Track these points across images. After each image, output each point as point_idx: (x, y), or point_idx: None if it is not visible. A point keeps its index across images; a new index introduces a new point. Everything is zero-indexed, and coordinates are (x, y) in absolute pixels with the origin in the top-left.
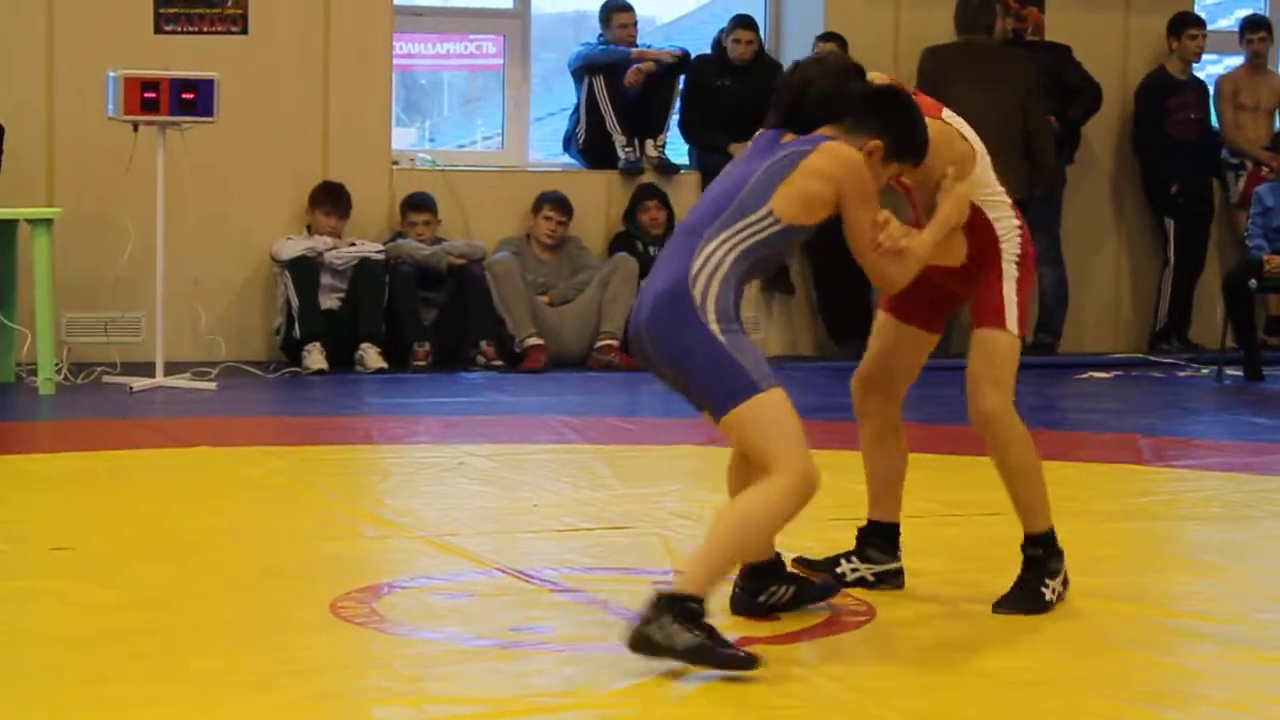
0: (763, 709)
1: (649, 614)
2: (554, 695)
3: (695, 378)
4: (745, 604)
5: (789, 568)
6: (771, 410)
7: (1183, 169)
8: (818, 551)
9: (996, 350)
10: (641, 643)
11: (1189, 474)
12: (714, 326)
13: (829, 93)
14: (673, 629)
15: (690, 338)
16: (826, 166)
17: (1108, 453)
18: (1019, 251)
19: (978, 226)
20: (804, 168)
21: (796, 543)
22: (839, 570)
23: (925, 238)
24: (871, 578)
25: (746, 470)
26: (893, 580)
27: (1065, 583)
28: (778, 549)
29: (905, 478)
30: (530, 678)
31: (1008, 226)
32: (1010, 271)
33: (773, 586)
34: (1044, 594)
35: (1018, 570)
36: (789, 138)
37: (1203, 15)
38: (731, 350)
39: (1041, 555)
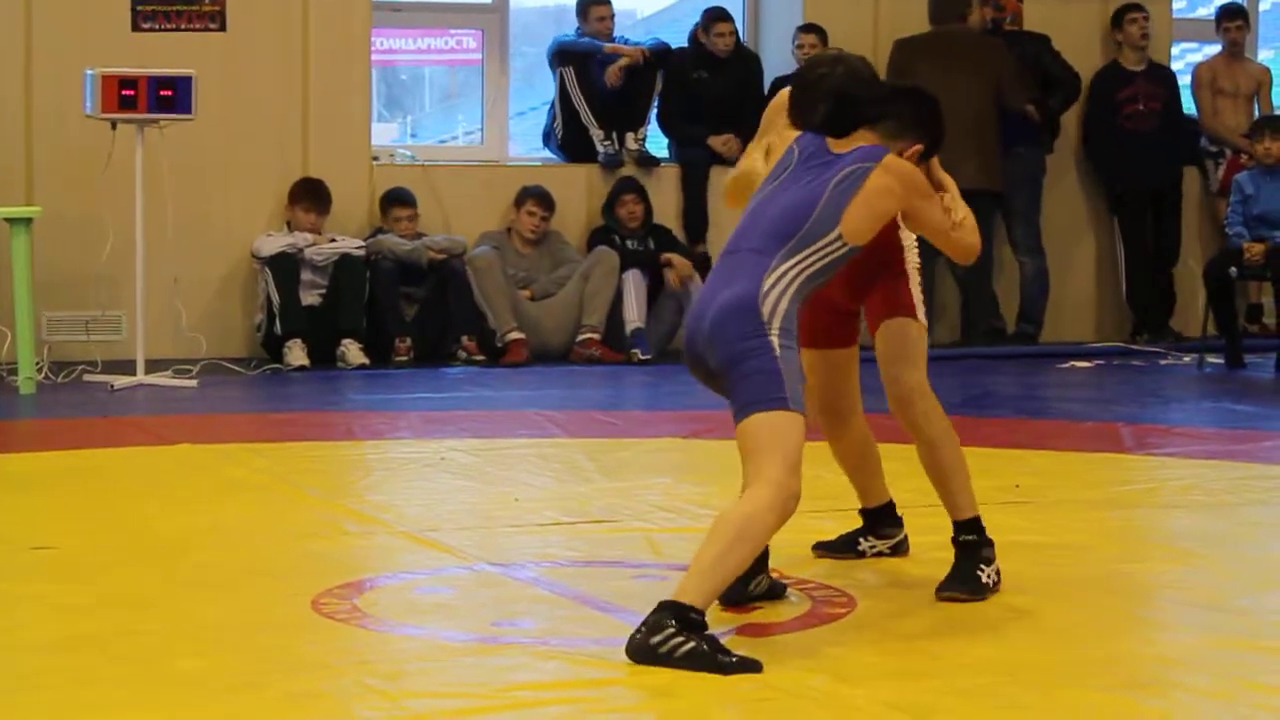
0: (745, 700)
1: (651, 623)
2: (535, 690)
3: (740, 379)
4: (738, 592)
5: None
6: (787, 427)
7: (1138, 161)
8: (791, 541)
9: (909, 336)
10: (643, 652)
11: (1170, 462)
12: (775, 340)
13: (866, 99)
14: (675, 640)
15: (751, 345)
16: (895, 185)
17: (1089, 441)
18: (918, 262)
19: (886, 244)
20: (873, 188)
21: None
22: (859, 548)
23: (961, 205)
24: (888, 550)
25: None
26: (903, 546)
27: (998, 574)
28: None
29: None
30: (512, 673)
31: (910, 243)
32: (912, 264)
33: (760, 575)
34: (979, 576)
35: (1001, 560)
36: (837, 147)
37: (1180, 3)
38: (782, 366)
39: (975, 540)
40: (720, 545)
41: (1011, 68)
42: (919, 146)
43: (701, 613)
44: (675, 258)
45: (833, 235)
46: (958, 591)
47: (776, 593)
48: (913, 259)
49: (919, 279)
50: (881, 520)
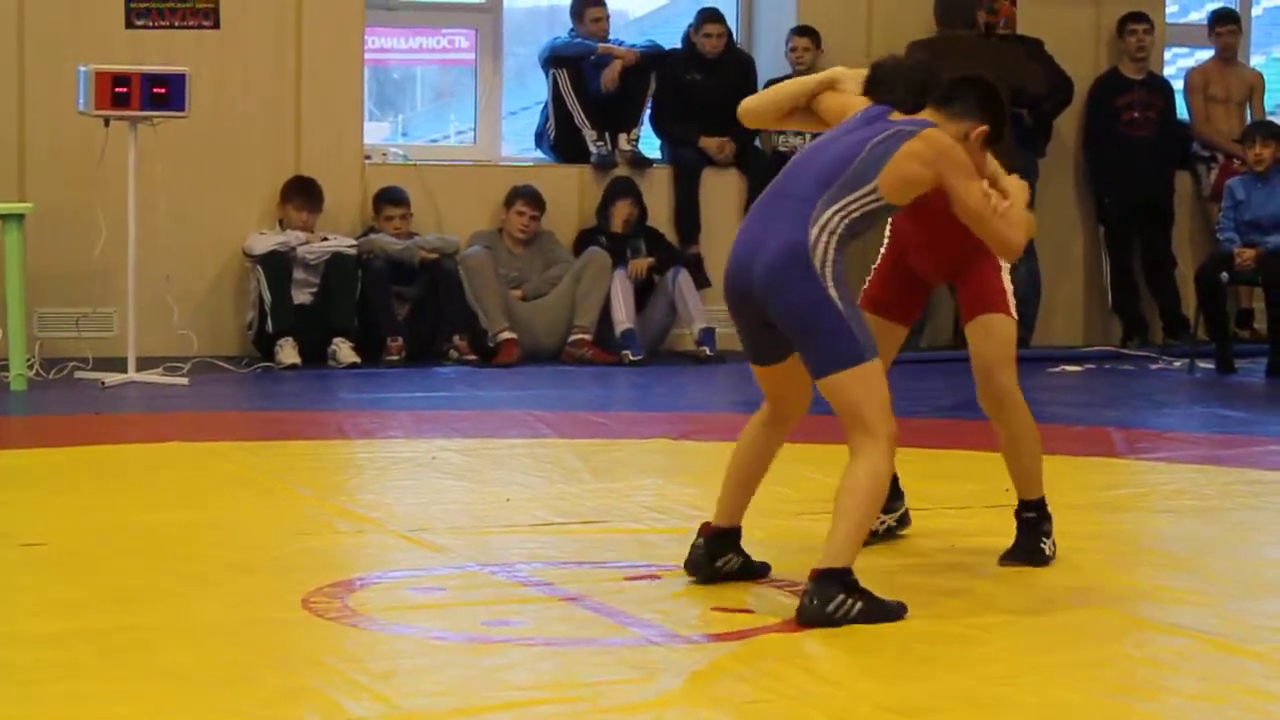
0: (738, 703)
1: (818, 594)
2: (526, 690)
3: (811, 337)
4: (702, 565)
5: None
6: (872, 378)
7: (1134, 169)
8: (778, 542)
9: (1003, 333)
10: (820, 620)
11: (1161, 466)
12: (833, 292)
13: (923, 79)
14: (847, 603)
15: (813, 299)
16: (925, 152)
17: (1080, 446)
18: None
19: None
20: (905, 151)
21: (758, 529)
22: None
23: (1017, 202)
24: (895, 523)
25: (767, 430)
26: (906, 518)
27: (1054, 545)
28: (740, 523)
29: None
30: (503, 672)
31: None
32: (1003, 262)
33: (729, 554)
34: (1042, 549)
35: (990, 562)
36: (897, 115)
37: (1173, 8)
38: (848, 319)
39: (1035, 518)
40: (862, 509)
41: (1022, 57)
42: (984, 129)
43: (852, 571)
44: (634, 261)
45: (869, 187)
46: (1021, 560)
47: (752, 572)
48: None
49: (1009, 267)
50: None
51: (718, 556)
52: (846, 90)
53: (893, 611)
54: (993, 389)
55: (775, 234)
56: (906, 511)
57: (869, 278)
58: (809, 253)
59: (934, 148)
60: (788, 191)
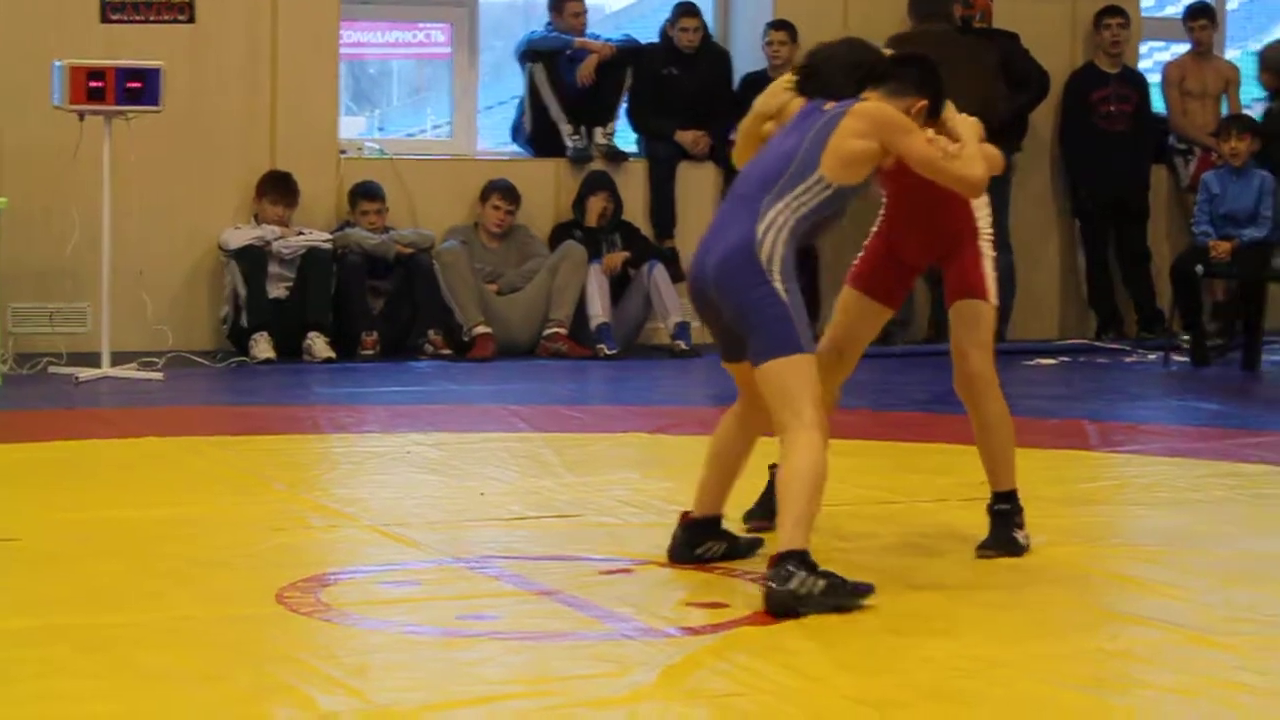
0: (712, 697)
1: (780, 575)
2: (500, 684)
3: (754, 328)
4: (683, 554)
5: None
6: (807, 370)
7: (1110, 162)
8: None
9: (980, 318)
10: (786, 601)
11: (1135, 459)
12: (778, 285)
13: (871, 63)
14: (810, 580)
15: (758, 294)
16: (859, 124)
17: (1054, 438)
18: (991, 230)
19: (956, 199)
20: (843, 130)
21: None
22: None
23: (968, 142)
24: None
25: (743, 420)
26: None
27: (1028, 536)
28: (721, 512)
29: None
30: (476, 667)
31: (981, 201)
32: (987, 250)
33: (709, 542)
34: (1016, 539)
35: (963, 556)
36: (830, 105)
37: (1148, 1)
38: (791, 311)
39: (1008, 509)
40: (804, 500)
41: (996, 72)
42: (923, 102)
43: (809, 553)
44: (609, 255)
45: (814, 177)
46: (995, 551)
47: (739, 552)
48: (985, 225)
49: (993, 252)
50: None
51: (697, 545)
52: (785, 98)
53: (858, 591)
54: (967, 372)
55: (725, 235)
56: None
57: (859, 255)
58: (755, 250)
59: (866, 118)
60: (738, 193)
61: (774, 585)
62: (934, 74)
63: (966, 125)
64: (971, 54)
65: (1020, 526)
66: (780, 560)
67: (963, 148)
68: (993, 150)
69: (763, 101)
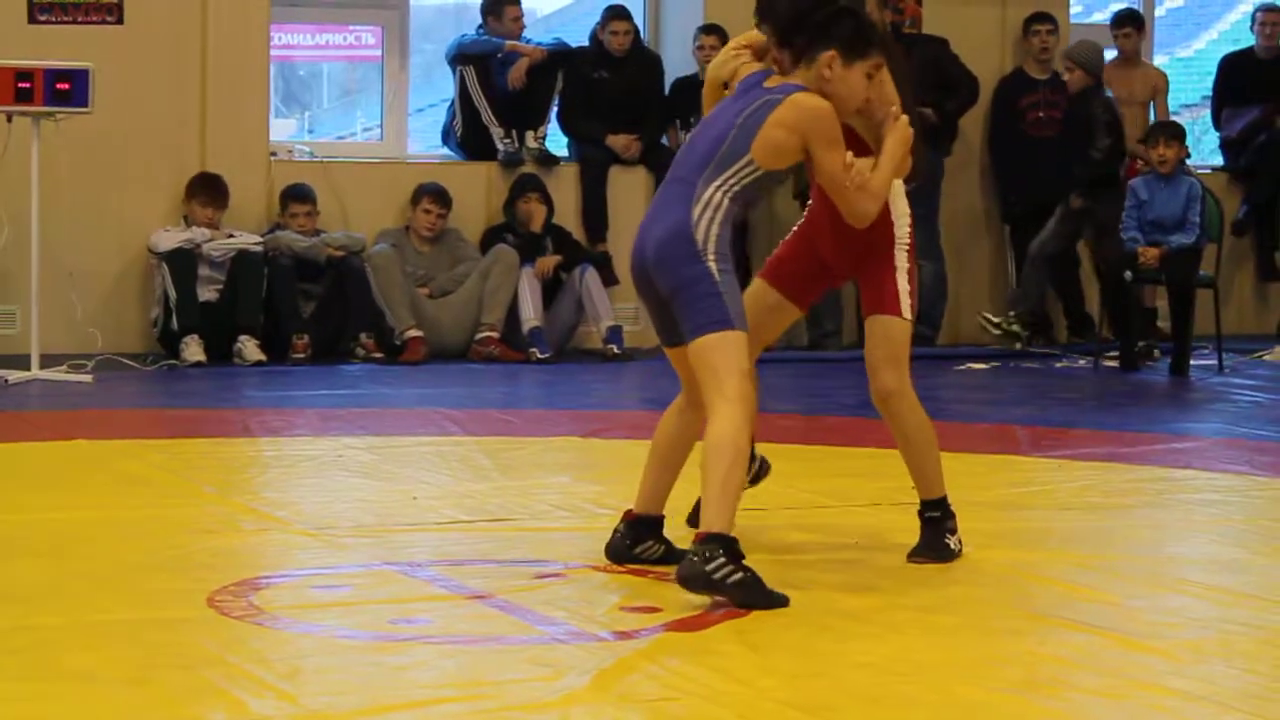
0: (643, 701)
1: (702, 553)
2: (432, 688)
3: (686, 306)
4: (621, 551)
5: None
6: (735, 346)
7: (1038, 168)
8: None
9: (892, 334)
10: (698, 579)
11: (1066, 464)
12: (713, 265)
13: (787, 12)
14: (727, 568)
15: (693, 272)
16: (790, 117)
17: (985, 443)
18: (909, 241)
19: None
20: (772, 120)
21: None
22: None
23: (883, 172)
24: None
25: (685, 416)
26: (765, 467)
27: (961, 541)
28: (662, 512)
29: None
30: (409, 671)
31: (901, 211)
32: (902, 262)
33: (649, 541)
34: (948, 544)
35: (895, 560)
36: (772, 82)
37: (1077, 8)
38: (723, 290)
39: (939, 516)
40: (722, 470)
41: (907, 75)
42: (831, 52)
43: (737, 541)
44: (541, 260)
45: (745, 159)
46: (927, 557)
47: (673, 559)
48: (903, 235)
49: (908, 264)
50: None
51: (638, 543)
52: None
53: (772, 599)
54: (878, 389)
55: (663, 217)
56: (763, 461)
57: (777, 249)
58: (692, 231)
59: (798, 113)
60: (675, 175)
61: (694, 559)
62: (840, 14)
63: (899, 133)
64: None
65: (953, 532)
66: (706, 540)
67: (870, 178)
68: (906, 161)
69: (714, 69)
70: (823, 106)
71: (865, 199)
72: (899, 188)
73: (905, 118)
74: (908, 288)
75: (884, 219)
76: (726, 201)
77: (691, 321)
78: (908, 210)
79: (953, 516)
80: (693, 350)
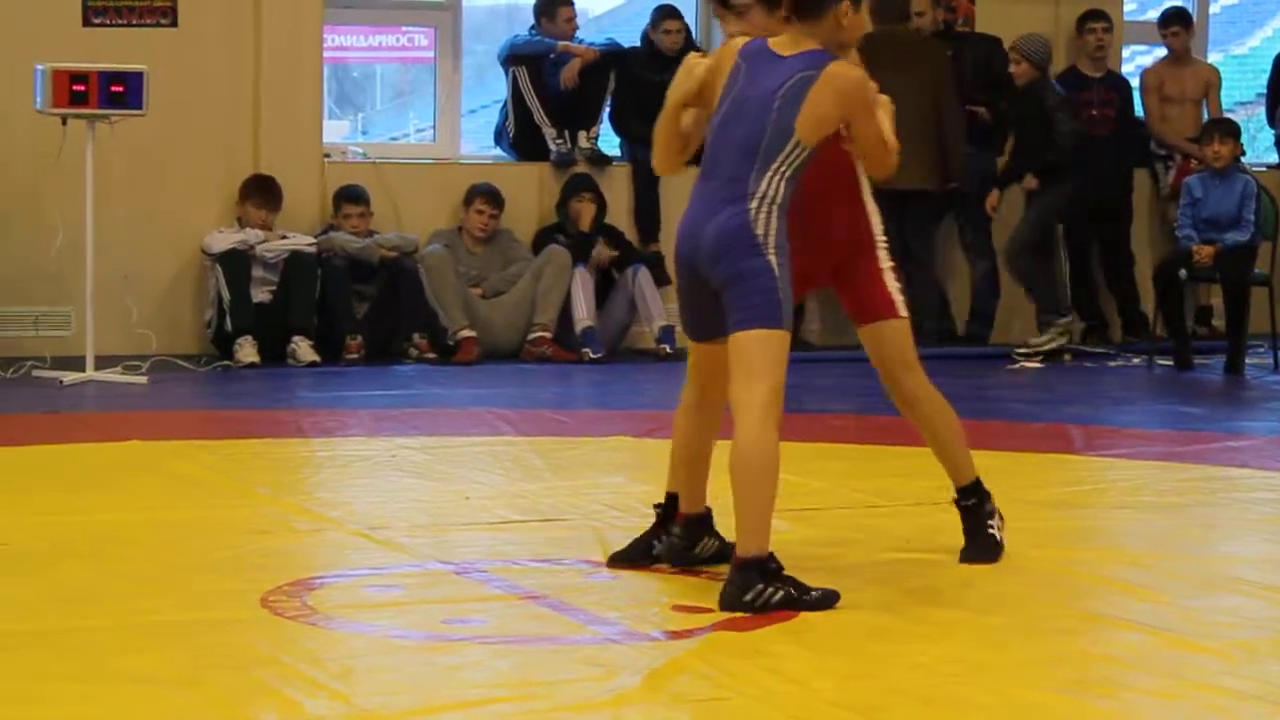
0: (696, 701)
1: (739, 582)
2: (485, 688)
3: (742, 297)
4: (682, 553)
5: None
6: (778, 347)
7: (1093, 166)
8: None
9: (898, 338)
10: (735, 605)
11: (1119, 463)
12: (773, 259)
13: None
14: (766, 593)
15: (753, 265)
16: (832, 91)
17: (1038, 442)
18: (884, 237)
19: (851, 207)
20: (814, 96)
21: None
22: (654, 552)
23: (891, 133)
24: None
25: (699, 415)
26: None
27: (1001, 518)
28: (707, 507)
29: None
30: (462, 671)
31: (873, 208)
32: (884, 261)
33: (706, 539)
34: (992, 536)
35: (948, 560)
36: (785, 48)
37: (1131, 5)
38: (780, 286)
39: (975, 503)
40: (748, 488)
41: (947, 74)
42: (844, 3)
43: (773, 557)
44: (597, 250)
45: (793, 141)
46: (978, 558)
47: (727, 555)
48: (879, 230)
49: (891, 261)
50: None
51: (696, 543)
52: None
53: (820, 600)
54: (901, 394)
55: (715, 213)
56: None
57: None
58: (751, 226)
59: (842, 85)
60: (717, 174)
61: (733, 589)
62: None
63: (886, 107)
64: (919, 56)
65: (992, 515)
66: (743, 566)
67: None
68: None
69: (676, 91)
70: (860, 76)
71: (892, 154)
72: (867, 184)
73: (885, 97)
74: (896, 286)
75: (861, 219)
76: (783, 189)
77: (744, 312)
78: (876, 206)
79: (988, 497)
80: (736, 339)
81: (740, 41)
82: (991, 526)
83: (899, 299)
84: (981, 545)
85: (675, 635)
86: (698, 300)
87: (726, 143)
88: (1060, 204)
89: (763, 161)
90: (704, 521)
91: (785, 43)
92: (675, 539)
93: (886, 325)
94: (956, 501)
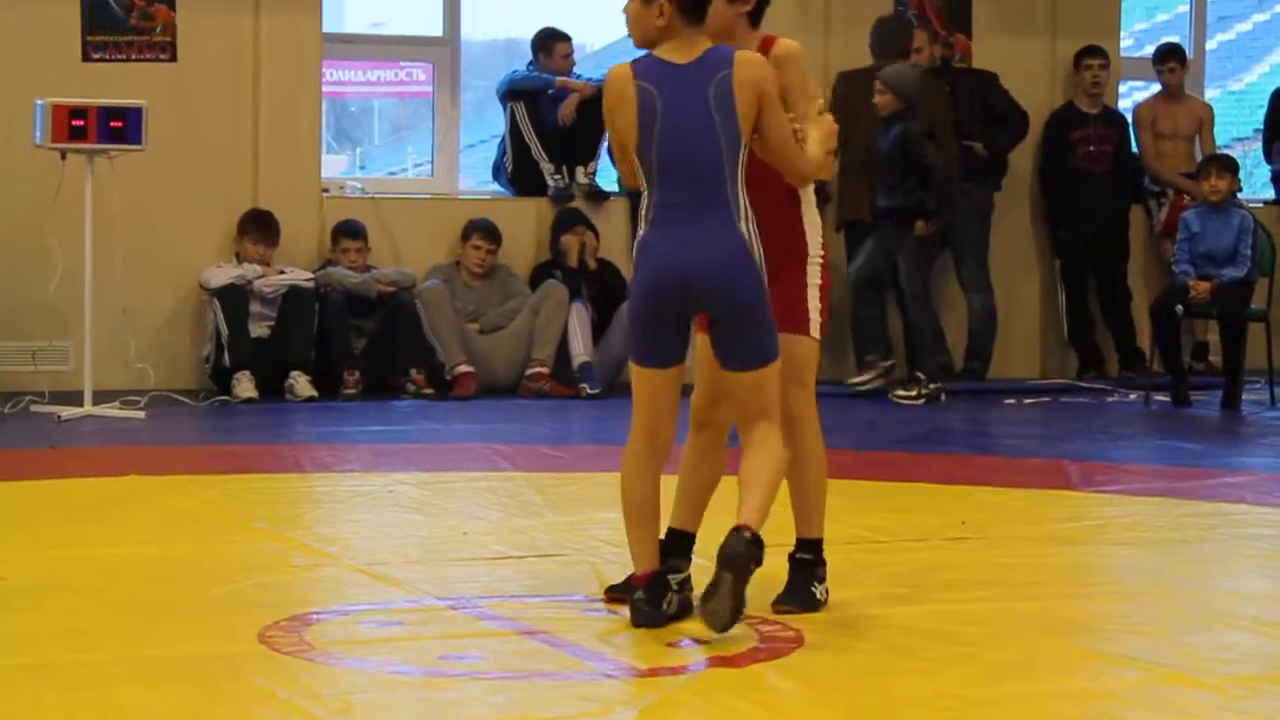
0: None
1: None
2: None
3: (747, 331)
4: (653, 616)
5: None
6: (776, 377)
7: (1089, 202)
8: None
9: (799, 354)
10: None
11: (1117, 499)
12: (766, 287)
13: None
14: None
15: (755, 295)
16: (751, 80)
17: (1036, 478)
18: (822, 255)
19: (787, 217)
20: (739, 91)
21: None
22: None
23: (815, 147)
24: (675, 587)
25: (652, 463)
26: (689, 585)
27: (827, 592)
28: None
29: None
30: (459, 706)
31: (814, 221)
32: (813, 279)
33: (669, 594)
34: (814, 594)
35: (947, 595)
36: (679, 56)
37: (1128, 41)
38: (770, 315)
39: (810, 560)
40: (770, 489)
41: (945, 113)
42: (663, 1)
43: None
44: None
45: (742, 146)
46: (793, 606)
47: (690, 608)
48: (816, 246)
49: (820, 279)
50: (679, 551)
51: (661, 600)
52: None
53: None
54: (784, 406)
55: (707, 238)
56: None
57: None
58: (748, 249)
59: (756, 68)
60: (690, 201)
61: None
62: None
63: (825, 127)
64: (921, 93)
65: (821, 580)
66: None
67: (805, 139)
68: (826, 157)
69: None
70: (763, 60)
71: (803, 157)
72: (811, 197)
73: (830, 115)
74: (818, 305)
75: (795, 231)
76: (746, 197)
77: (755, 349)
78: (819, 221)
79: (824, 564)
80: (750, 379)
81: (618, 70)
82: (816, 588)
83: (816, 319)
84: (801, 599)
85: (672, 670)
86: (664, 328)
87: (681, 168)
88: (923, 245)
89: (730, 173)
90: (663, 578)
91: (674, 51)
92: (640, 602)
93: (794, 339)
94: (792, 554)
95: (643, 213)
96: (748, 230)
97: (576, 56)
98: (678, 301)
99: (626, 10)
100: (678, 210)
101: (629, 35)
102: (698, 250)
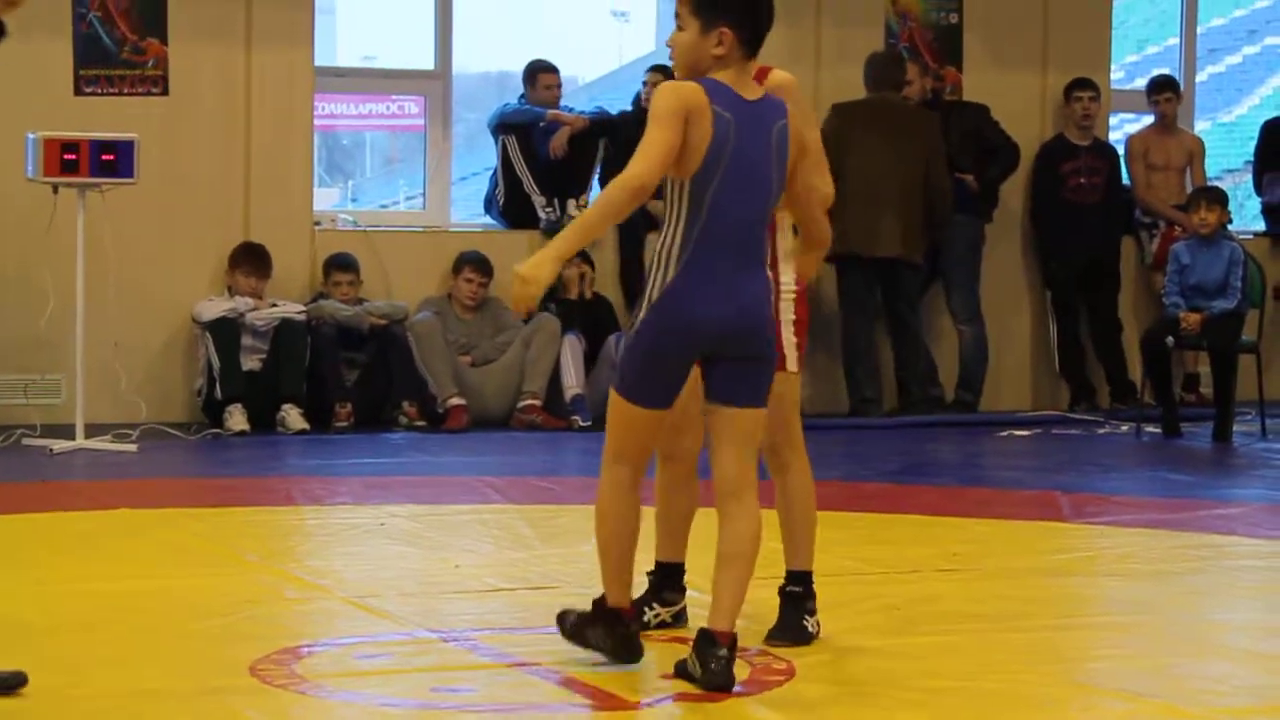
0: None
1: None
2: None
3: (758, 374)
4: (632, 649)
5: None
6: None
7: (1079, 234)
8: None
9: (780, 392)
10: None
11: (1107, 530)
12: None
13: None
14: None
15: (770, 339)
16: (797, 127)
17: (1027, 509)
18: (795, 289)
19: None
20: (792, 139)
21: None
22: (645, 619)
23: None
24: (671, 619)
25: (633, 498)
26: (684, 617)
27: (819, 624)
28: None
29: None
30: None
31: (787, 250)
32: (787, 315)
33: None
34: (805, 627)
35: (938, 627)
36: (746, 92)
37: (1118, 74)
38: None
39: (800, 594)
40: (747, 572)
41: (939, 146)
42: (724, 30)
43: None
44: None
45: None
46: (784, 640)
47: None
48: (789, 278)
49: (794, 314)
50: (668, 583)
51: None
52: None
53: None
54: (769, 442)
55: (744, 288)
56: (685, 606)
57: None
58: (770, 290)
59: (799, 120)
60: (745, 251)
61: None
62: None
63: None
64: (910, 125)
65: (811, 614)
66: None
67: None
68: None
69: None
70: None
71: (825, 219)
72: (788, 225)
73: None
74: (794, 340)
75: (772, 264)
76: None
77: (760, 391)
78: (793, 247)
79: (814, 596)
80: (749, 418)
81: (692, 86)
82: (807, 621)
83: (791, 353)
84: (793, 633)
85: (664, 701)
86: (681, 374)
87: (735, 218)
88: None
89: (762, 222)
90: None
91: (739, 83)
92: (633, 636)
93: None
94: (782, 587)
95: (667, 249)
96: (768, 270)
97: (569, 88)
98: (704, 350)
99: (674, 41)
100: (721, 262)
101: (671, 63)
102: (733, 302)
